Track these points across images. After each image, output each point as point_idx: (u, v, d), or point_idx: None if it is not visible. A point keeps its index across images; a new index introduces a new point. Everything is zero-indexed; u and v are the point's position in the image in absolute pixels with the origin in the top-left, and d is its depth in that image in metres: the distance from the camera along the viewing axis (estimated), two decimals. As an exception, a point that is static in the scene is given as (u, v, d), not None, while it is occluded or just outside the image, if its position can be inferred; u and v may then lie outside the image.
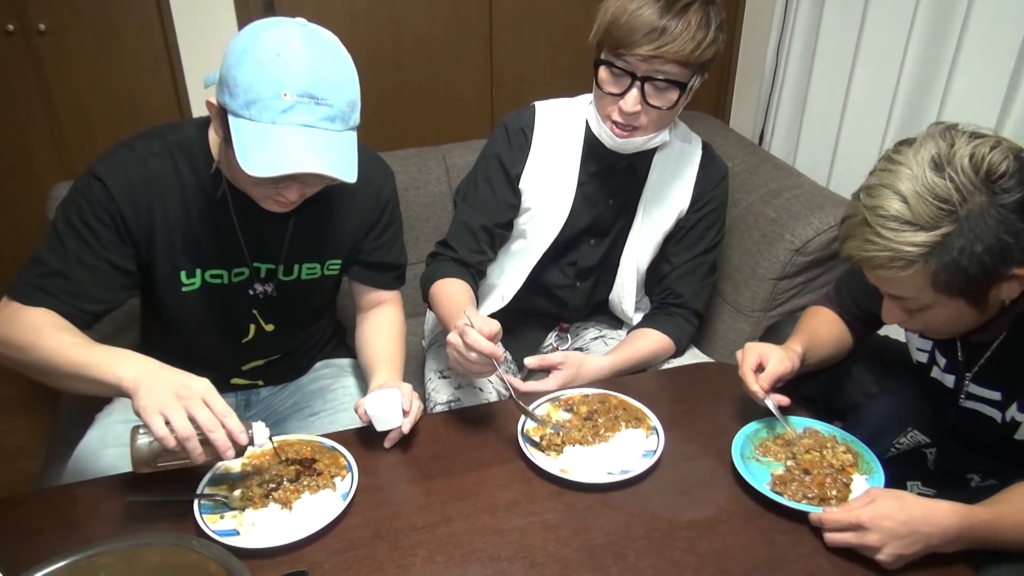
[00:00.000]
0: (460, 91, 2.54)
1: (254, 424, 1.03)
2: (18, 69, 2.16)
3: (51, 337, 1.07)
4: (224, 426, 0.98)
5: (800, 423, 1.24)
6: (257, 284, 1.31)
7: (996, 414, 1.14)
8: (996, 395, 1.13)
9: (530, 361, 1.37)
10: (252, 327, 1.35)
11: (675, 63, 1.27)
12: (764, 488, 1.09)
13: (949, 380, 1.20)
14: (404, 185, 1.95)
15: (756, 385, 1.18)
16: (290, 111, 1.02)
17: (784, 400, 1.20)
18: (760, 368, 1.21)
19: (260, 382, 1.47)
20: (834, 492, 1.09)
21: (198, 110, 2.27)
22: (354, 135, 1.11)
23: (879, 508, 0.98)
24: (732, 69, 2.75)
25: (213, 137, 1.21)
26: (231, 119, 1.04)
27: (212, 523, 1.03)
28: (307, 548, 1.01)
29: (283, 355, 1.44)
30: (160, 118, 1.17)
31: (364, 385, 1.45)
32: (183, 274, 1.25)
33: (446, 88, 2.52)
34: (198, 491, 1.08)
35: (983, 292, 0.96)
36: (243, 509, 1.05)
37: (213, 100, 1.08)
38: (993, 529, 0.99)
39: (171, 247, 1.22)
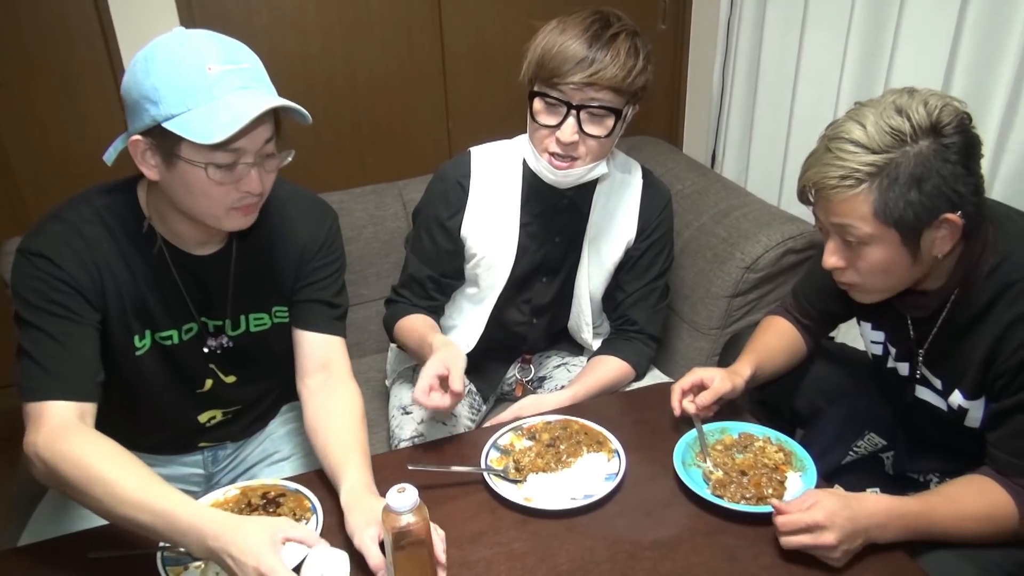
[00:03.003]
0: (416, 126, 2.57)
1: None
2: (-31, 125, 2.15)
3: (106, 486, 0.98)
4: None
5: (736, 427, 1.28)
6: (210, 340, 1.28)
7: (942, 403, 1.19)
8: (939, 383, 1.20)
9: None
10: (209, 381, 1.32)
11: (609, 89, 1.31)
12: (705, 492, 1.13)
13: (904, 368, 1.27)
14: (363, 222, 1.98)
15: (677, 402, 1.28)
16: (221, 81, 1.02)
17: (708, 412, 1.28)
18: (702, 387, 1.27)
19: (228, 442, 1.44)
20: (770, 491, 1.14)
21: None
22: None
23: (829, 506, 1.01)
24: (682, 95, 2.83)
25: (142, 194, 1.19)
26: (171, 124, 1.01)
27: (175, 575, 1.02)
28: (272, 594, 1.01)
29: (244, 407, 1.41)
30: (116, 169, 1.16)
31: None
32: (135, 338, 1.22)
33: (402, 124, 2.55)
34: (160, 543, 1.07)
35: (917, 230, 1.03)
36: (206, 559, 1.05)
37: (136, 137, 1.05)
38: (923, 518, 1.04)
39: (123, 312, 1.18)
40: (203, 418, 1.36)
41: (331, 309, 1.35)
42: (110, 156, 1.11)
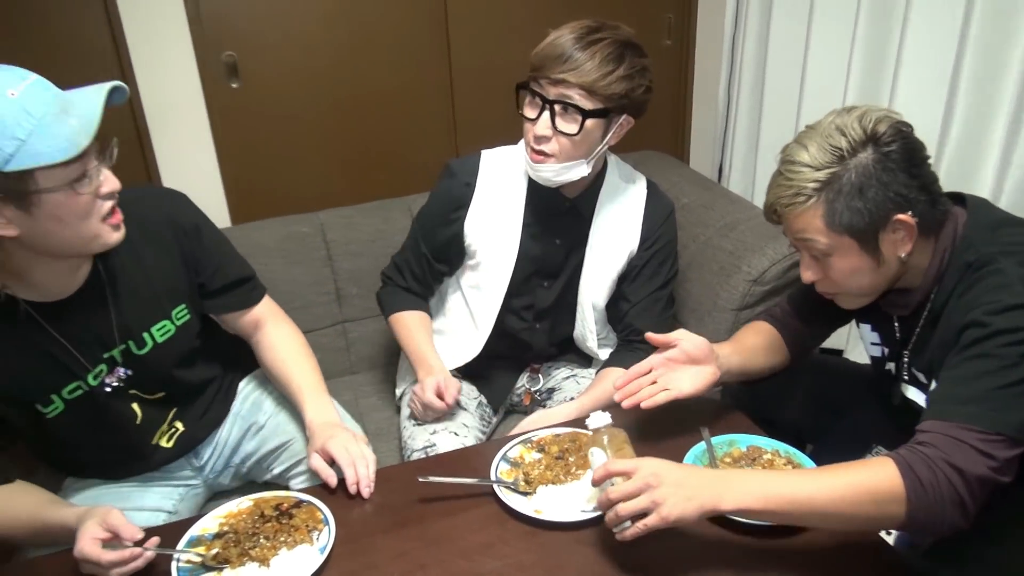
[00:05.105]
0: (424, 141, 2.60)
1: None
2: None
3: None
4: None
5: (744, 440, 1.29)
6: (120, 370, 1.26)
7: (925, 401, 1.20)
8: (923, 377, 1.22)
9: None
10: (136, 406, 1.31)
11: (579, 88, 1.35)
12: None
13: (894, 368, 1.30)
14: (370, 236, 2.00)
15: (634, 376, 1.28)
16: (28, 97, 0.98)
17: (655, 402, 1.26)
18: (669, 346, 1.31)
19: (196, 438, 1.44)
20: None
21: (167, 177, 2.29)
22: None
23: (651, 467, 1.01)
24: (688, 110, 2.85)
25: None
26: (13, 164, 0.97)
27: (190, 586, 1.04)
28: (285, 604, 1.02)
29: (179, 410, 1.39)
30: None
31: None
32: (38, 406, 1.20)
33: (410, 140, 2.57)
34: (175, 555, 1.08)
35: (872, 234, 1.09)
36: (221, 570, 1.06)
37: None
38: (779, 484, 1.01)
39: (8, 395, 1.18)
40: (154, 440, 1.37)
41: (243, 284, 1.42)
42: None
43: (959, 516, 0.97)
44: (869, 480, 0.99)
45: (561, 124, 1.39)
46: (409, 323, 1.63)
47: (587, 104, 1.37)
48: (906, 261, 1.13)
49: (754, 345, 1.41)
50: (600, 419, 1.13)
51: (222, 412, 1.49)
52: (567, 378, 1.72)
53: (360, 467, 1.22)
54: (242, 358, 1.51)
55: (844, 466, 1.02)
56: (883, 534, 1.24)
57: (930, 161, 1.12)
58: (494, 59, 2.53)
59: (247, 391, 1.53)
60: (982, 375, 1.01)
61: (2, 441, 1.23)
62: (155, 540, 1.06)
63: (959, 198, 1.18)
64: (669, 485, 0.99)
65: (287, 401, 1.46)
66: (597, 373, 1.61)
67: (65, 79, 1.08)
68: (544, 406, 1.71)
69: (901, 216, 1.08)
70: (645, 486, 0.99)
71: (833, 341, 2.23)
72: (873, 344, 1.35)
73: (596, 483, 1.06)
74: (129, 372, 1.27)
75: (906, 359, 1.26)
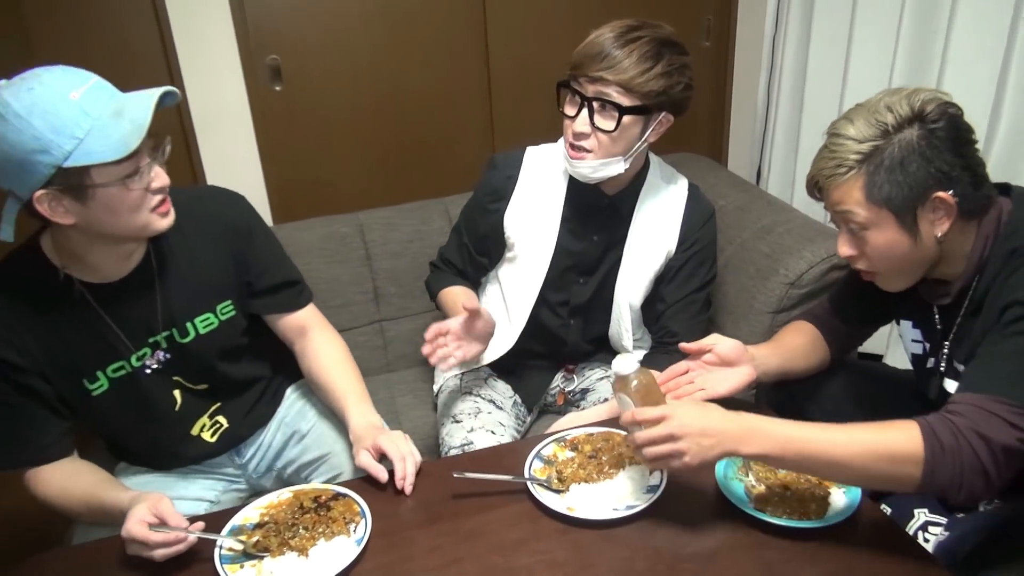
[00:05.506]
0: (462, 142, 2.62)
1: None
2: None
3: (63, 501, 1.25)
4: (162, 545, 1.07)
5: None
6: (159, 353, 1.32)
7: None
8: (963, 368, 1.20)
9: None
10: (177, 393, 1.36)
11: (617, 86, 1.37)
12: (746, 507, 1.13)
13: (935, 362, 1.28)
14: (408, 237, 2.03)
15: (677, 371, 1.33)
16: (88, 100, 1.05)
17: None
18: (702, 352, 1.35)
19: (241, 433, 1.48)
20: (813, 506, 1.13)
21: (212, 176, 2.36)
22: None
23: (682, 418, 1.06)
24: (727, 112, 2.83)
25: (47, 246, 1.21)
26: (72, 161, 1.03)
27: (232, 572, 1.07)
28: (323, 593, 1.05)
29: (224, 404, 1.43)
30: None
31: None
32: (85, 382, 1.26)
33: (448, 140, 2.60)
34: (218, 542, 1.11)
35: (910, 210, 1.09)
36: (262, 558, 1.09)
37: (38, 193, 1.06)
38: (797, 437, 1.04)
39: (60, 367, 1.23)
40: (195, 430, 1.41)
41: (293, 287, 1.45)
42: (7, 231, 1.10)
43: (981, 484, 0.99)
44: (890, 440, 1.01)
45: (599, 121, 1.40)
46: (458, 295, 1.63)
47: (625, 101, 1.38)
48: (942, 242, 1.12)
49: (795, 345, 1.41)
50: (627, 364, 1.13)
51: (267, 413, 1.52)
52: (601, 379, 1.73)
53: (409, 464, 1.24)
54: (292, 363, 1.54)
55: (869, 424, 1.04)
56: (921, 541, 1.22)
57: (978, 146, 1.11)
58: (532, 60, 2.55)
59: (294, 397, 1.56)
60: (1019, 352, 1.02)
61: (64, 411, 1.28)
62: (200, 525, 1.10)
63: (1005, 189, 1.17)
64: (693, 436, 1.05)
65: (330, 413, 1.48)
66: (631, 375, 1.61)
67: (117, 83, 1.14)
68: (578, 407, 1.72)
69: (941, 194, 1.08)
70: (670, 436, 1.05)
71: (873, 345, 2.20)
72: (914, 341, 1.33)
73: (625, 425, 1.14)
74: (168, 356, 1.32)
75: (946, 351, 1.24)
